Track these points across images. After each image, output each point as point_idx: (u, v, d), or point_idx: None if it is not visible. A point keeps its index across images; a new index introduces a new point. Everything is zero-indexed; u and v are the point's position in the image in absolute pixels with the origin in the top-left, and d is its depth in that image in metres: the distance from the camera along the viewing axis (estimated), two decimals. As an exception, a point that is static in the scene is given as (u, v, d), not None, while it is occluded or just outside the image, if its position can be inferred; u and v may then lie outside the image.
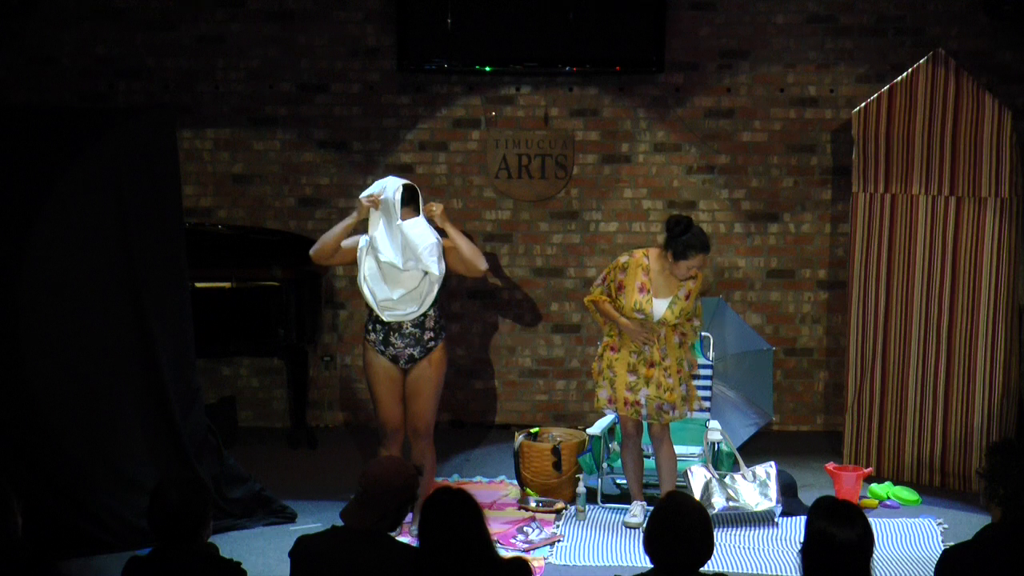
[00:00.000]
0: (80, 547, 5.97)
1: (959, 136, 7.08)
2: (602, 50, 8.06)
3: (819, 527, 3.78)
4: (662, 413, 6.48)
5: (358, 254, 6.28)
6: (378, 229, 6.19)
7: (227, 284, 7.67)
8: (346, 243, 6.31)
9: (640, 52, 8.06)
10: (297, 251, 7.95)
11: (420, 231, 6.17)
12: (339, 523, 4.36)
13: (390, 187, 6.23)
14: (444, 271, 6.27)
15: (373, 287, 6.21)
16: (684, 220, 6.35)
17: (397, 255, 6.13)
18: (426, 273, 6.19)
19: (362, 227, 6.32)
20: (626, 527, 6.62)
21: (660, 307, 6.38)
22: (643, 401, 6.47)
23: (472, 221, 8.38)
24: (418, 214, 6.24)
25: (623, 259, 6.49)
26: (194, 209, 8.26)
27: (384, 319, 6.23)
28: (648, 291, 6.37)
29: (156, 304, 6.24)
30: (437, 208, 6.32)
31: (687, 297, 6.40)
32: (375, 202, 6.21)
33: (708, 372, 7.33)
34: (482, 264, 6.37)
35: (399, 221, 6.13)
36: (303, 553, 4.29)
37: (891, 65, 8.00)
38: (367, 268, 6.22)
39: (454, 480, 7.33)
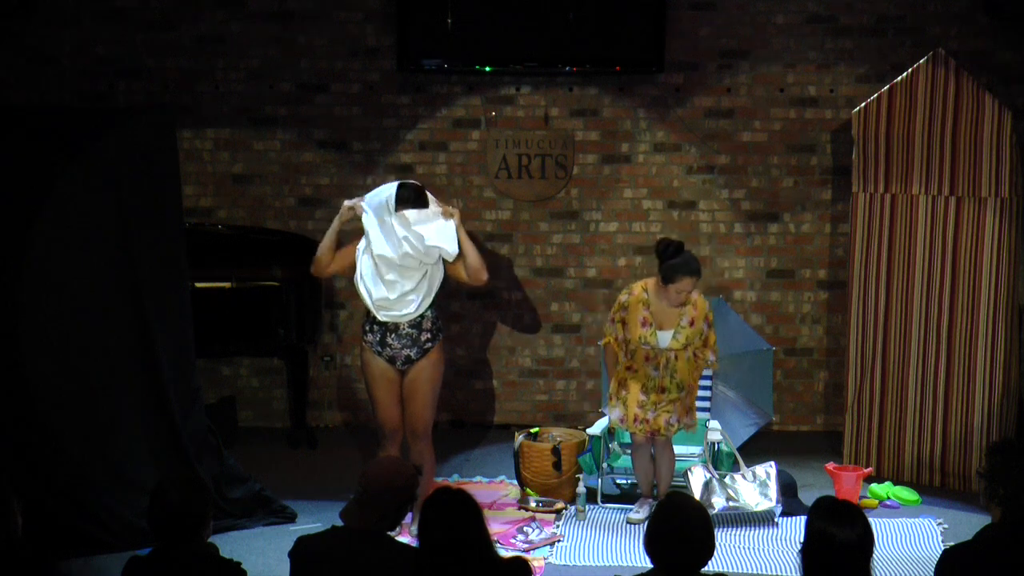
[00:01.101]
0: (80, 547, 5.96)
1: (959, 136, 7.07)
2: (602, 50, 8.05)
3: (819, 527, 3.77)
4: (669, 427, 6.57)
5: (356, 253, 6.27)
6: (372, 226, 6.17)
7: (227, 284, 7.64)
8: (344, 249, 6.32)
9: (640, 52, 8.04)
10: (297, 251, 7.92)
11: (426, 217, 6.15)
12: (339, 523, 4.36)
13: (386, 189, 6.24)
14: (443, 276, 6.29)
15: (370, 287, 6.18)
16: (674, 244, 6.41)
17: (391, 248, 6.11)
18: (424, 275, 6.19)
19: (360, 233, 6.33)
20: (628, 523, 6.65)
21: (664, 338, 6.47)
22: (651, 419, 6.54)
23: (472, 221, 8.33)
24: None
25: (623, 298, 6.58)
26: (194, 209, 8.25)
27: (380, 319, 6.22)
28: (651, 324, 6.47)
29: (156, 304, 6.23)
30: (455, 212, 6.28)
31: (691, 324, 6.48)
32: (357, 207, 6.22)
33: (708, 372, 7.32)
34: (485, 275, 6.34)
35: (391, 216, 6.11)
36: (303, 553, 4.28)
37: (891, 65, 7.98)
38: (363, 266, 6.20)
39: (454, 480, 7.32)
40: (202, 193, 8.41)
